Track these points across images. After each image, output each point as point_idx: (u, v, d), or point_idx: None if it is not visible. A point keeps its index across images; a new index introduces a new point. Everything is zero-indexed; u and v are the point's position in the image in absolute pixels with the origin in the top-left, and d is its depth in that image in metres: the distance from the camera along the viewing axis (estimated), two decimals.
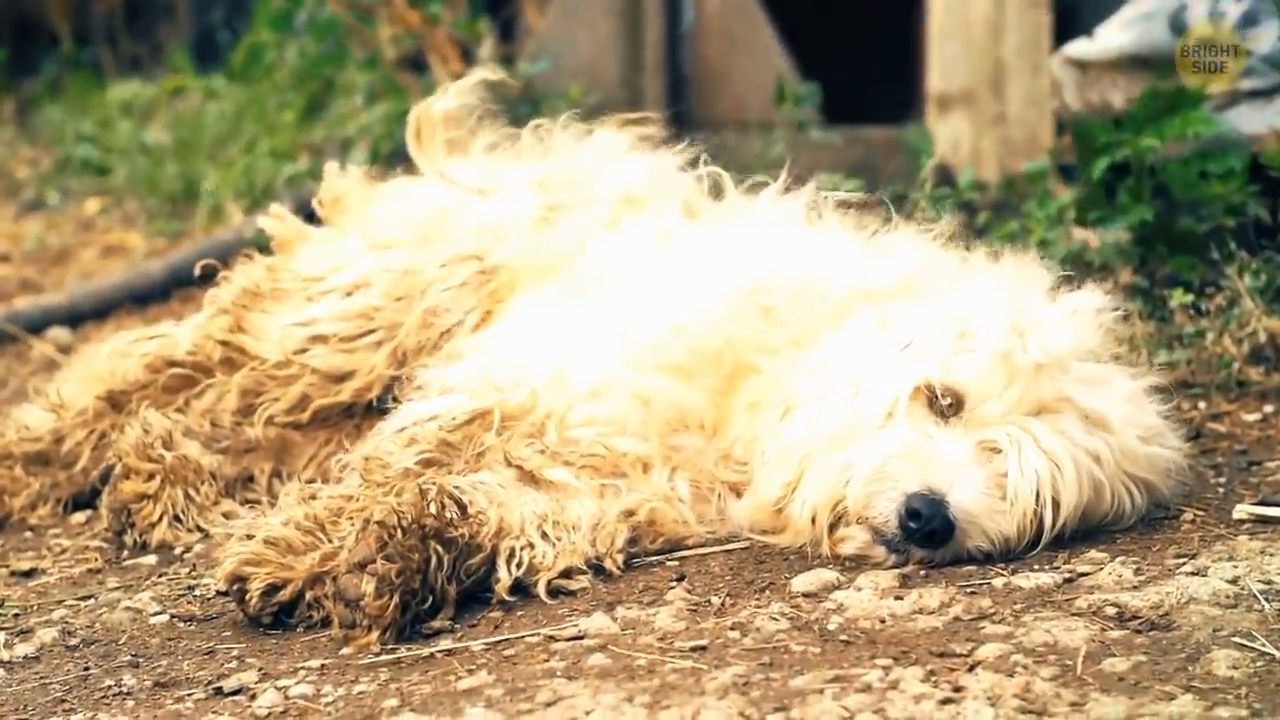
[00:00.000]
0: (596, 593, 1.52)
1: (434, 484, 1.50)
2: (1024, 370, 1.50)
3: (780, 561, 1.58)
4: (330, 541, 1.50)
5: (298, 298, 1.97)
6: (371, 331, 1.93)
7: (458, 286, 1.92)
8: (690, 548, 1.63)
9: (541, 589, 1.51)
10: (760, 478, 1.62)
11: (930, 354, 1.55)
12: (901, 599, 1.42)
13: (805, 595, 1.47)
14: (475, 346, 1.86)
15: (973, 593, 1.44)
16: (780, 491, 1.59)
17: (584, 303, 1.80)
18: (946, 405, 1.52)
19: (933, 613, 1.39)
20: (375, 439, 1.70)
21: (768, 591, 1.49)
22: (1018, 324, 1.54)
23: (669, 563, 1.60)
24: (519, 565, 1.52)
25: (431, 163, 2.08)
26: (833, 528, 1.55)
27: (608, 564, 1.57)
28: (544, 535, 1.55)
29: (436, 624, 1.46)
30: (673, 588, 1.52)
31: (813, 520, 1.56)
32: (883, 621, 1.38)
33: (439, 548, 1.46)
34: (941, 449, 1.49)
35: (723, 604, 1.46)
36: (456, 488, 1.53)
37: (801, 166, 1.93)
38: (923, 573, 1.50)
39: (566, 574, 1.54)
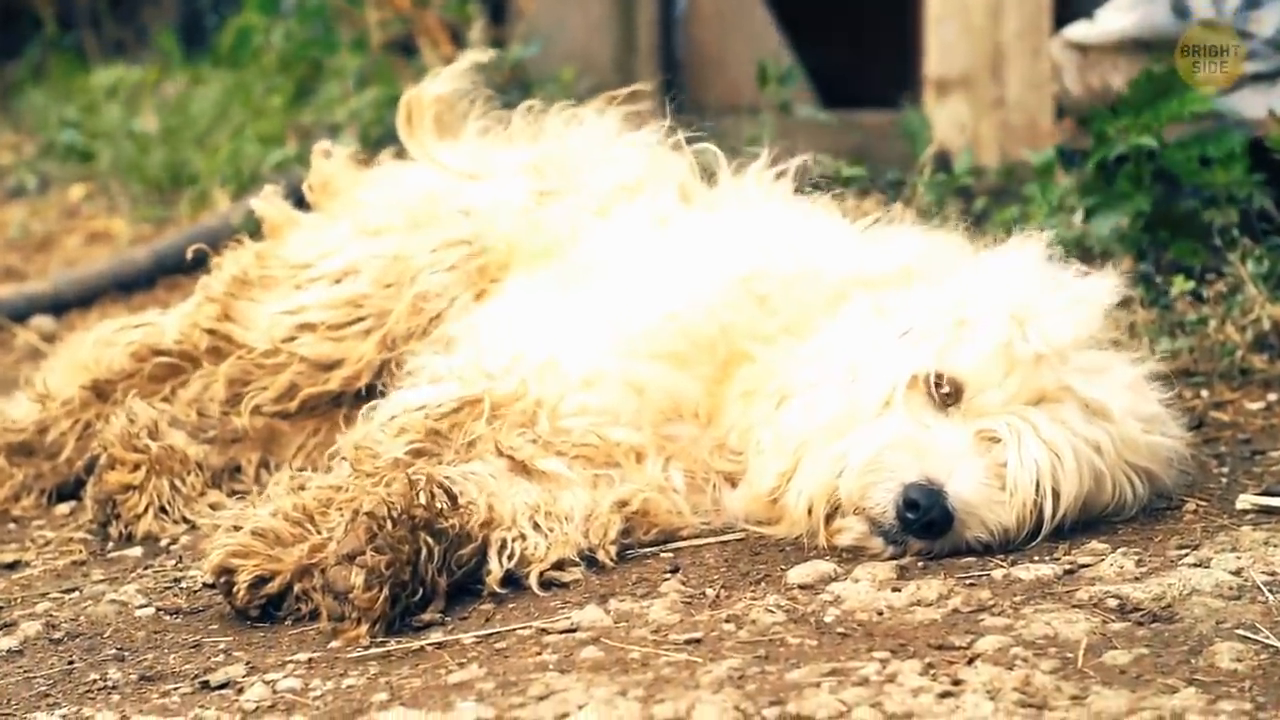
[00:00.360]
0: (589, 585, 1.50)
1: (423, 474, 1.48)
2: (1024, 360, 1.48)
3: (776, 553, 1.56)
4: (319, 533, 1.47)
5: (286, 285, 1.94)
6: (361, 319, 1.90)
7: (448, 272, 1.89)
8: (685, 539, 1.61)
9: (533, 581, 1.49)
10: (755, 467, 1.60)
11: (929, 342, 1.53)
12: (899, 591, 1.40)
13: (801, 587, 1.45)
14: (465, 333, 1.83)
15: (972, 584, 1.42)
16: (775, 481, 1.57)
17: (577, 289, 1.78)
18: (945, 394, 1.50)
19: (931, 605, 1.37)
20: (365, 427, 1.67)
21: (763, 583, 1.47)
22: (1018, 312, 1.52)
23: (663, 554, 1.58)
24: (510, 557, 1.50)
25: (422, 147, 2.04)
26: (829, 518, 1.53)
27: (600, 555, 1.54)
28: (536, 526, 1.53)
29: (427, 616, 1.43)
30: (667, 580, 1.50)
31: (809, 511, 1.54)
32: (880, 614, 1.36)
33: (429, 539, 1.43)
34: (940, 438, 1.47)
35: (717, 596, 1.44)
36: (447, 478, 1.51)
37: (796, 152, 1.90)
38: (921, 564, 1.48)
39: (559, 566, 1.52)
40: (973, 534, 1.48)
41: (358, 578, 1.38)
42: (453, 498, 1.48)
